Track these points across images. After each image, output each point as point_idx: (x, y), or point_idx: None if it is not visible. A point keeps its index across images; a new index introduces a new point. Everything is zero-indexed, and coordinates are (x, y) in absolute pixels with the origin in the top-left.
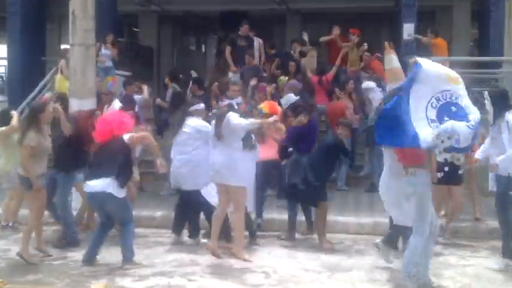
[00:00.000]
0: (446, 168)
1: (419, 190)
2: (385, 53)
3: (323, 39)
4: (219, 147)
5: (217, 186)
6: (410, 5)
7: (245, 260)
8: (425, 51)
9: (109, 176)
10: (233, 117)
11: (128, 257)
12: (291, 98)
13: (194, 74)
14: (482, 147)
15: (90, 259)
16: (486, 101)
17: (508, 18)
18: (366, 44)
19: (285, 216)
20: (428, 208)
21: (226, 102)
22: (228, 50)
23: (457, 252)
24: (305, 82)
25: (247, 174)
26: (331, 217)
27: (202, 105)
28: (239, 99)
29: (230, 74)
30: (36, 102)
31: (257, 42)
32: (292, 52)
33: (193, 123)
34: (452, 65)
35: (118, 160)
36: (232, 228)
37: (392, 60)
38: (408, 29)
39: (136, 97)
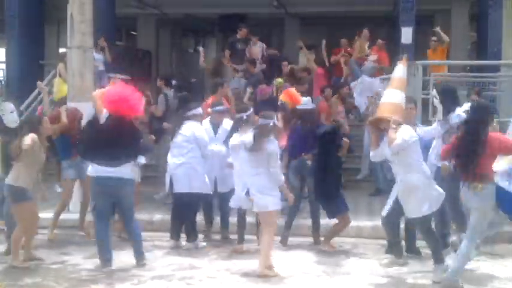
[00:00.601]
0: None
1: (484, 205)
2: (400, 62)
3: (333, 60)
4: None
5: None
6: (408, 8)
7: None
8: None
9: (128, 161)
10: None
11: (142, 253)
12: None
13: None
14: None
15: (109, 258)
16: (435, 99)
17: (506, 22)
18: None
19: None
20: (486, 221)
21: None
22: (227, 53)
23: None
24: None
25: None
26: (330, 221)
27: (200, 110)
28: (250, 110)
29: (233, 82)
30: (32, 115)
31: (260, 46)
32: None
33: (192, 128)
34: (451, 69)
35: (133, 144)
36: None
37: (403, 70)
38: (407, 33)
39: None
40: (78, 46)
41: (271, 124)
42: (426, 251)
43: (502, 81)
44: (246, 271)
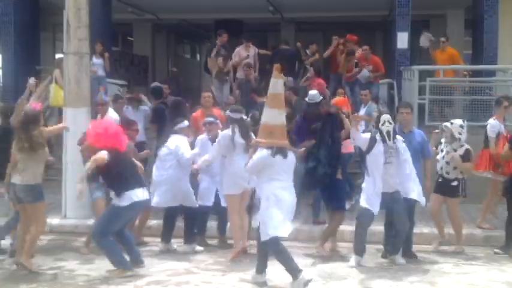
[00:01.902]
0: (439, 179)
1: None
2: (273, 76)
3: (326, 54)
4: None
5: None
6: (404, 14)
7: None
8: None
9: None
10: None
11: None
12: (315, 95)
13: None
14: None
15: (137, 259)
16: (387, 123)
17: (501, 27)
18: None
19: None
20: None
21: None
22: (220, 60)
23: (451, 260)
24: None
25: None
26: (326, 226)
27: (186, 123)
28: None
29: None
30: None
31: (253, 50)
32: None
33: (176, 142)
34: (447, 74)
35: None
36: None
37: (278, 84)
38: (402, 38)
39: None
40: (75, 52)
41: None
42: (423, 255)
43: (497, 86)
44: (242, 276)
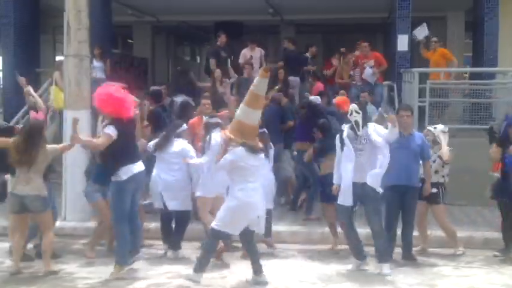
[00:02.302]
0: (421, 184)
1: None
2: (259, 75)
3: (327, 73)
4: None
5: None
6: (404, 16)
7: None
8: (422, 61)
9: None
10: None
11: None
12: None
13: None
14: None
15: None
16: (354, 113)
17: (501, 29)
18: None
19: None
20: None
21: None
22: (212, 62)
23: (451, 263)
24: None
25: None
26: (326, 228)
27: (185, 126)
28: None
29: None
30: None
31: (259, 52)
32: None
33: (183, 145)
34: (446, 76)
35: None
36: None
37: (262, 85)
38: (402, 40)
39: None
40: (75, 54)
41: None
42: (423, 257)
43: (497, 89)
44: (242, 279)
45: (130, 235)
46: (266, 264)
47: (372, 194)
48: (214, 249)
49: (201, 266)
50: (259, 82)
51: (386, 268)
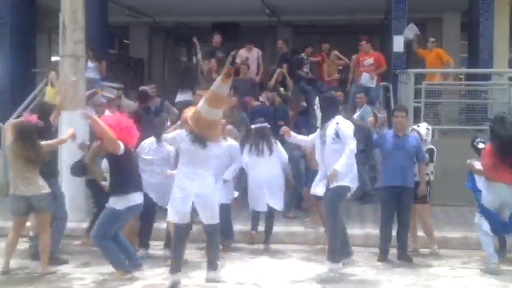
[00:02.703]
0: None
1: None
2: (220, 79)
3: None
4: None
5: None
6: (400, 17)
7: None
8: (417, 62)
9: None
10: None
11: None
12: None
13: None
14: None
15: (135, 262)
16: (315, 107)
17: (497, 30)
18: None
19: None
20: None
21: None
22: (213, 63)
23: (447, 264)
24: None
25: None
26: (323, 229)
27: (169, 123)
28: None
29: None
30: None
31: (256, 53)
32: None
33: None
34: (442, 77)
35: None
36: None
37: (224, 86)
38: (398, 41)
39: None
40: (70, 55)
41: None
42: (419, 258)
43: (493, 90)
44: (238, 280)
45: (122, 251)
46: (261, 264)
47: (328, 193)
48: (183, 242)
49: (173, 261)
50: (219, 85)
51: (329, 265)
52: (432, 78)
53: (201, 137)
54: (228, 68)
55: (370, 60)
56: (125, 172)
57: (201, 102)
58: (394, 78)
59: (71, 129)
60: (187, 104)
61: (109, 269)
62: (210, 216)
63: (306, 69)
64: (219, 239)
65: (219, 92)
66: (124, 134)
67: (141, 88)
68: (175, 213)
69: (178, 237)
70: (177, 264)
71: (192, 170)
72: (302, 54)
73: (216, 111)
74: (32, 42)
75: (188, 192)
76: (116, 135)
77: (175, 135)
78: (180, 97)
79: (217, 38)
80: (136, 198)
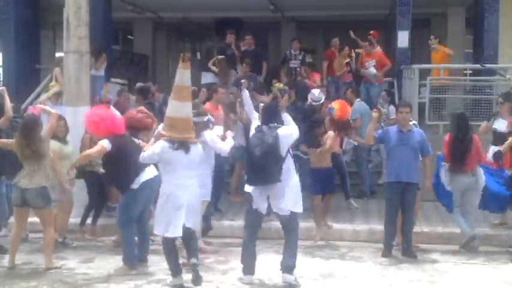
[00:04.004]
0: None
1: None
2: (180, 66)
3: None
4: None
5: None
6: (405, 12)
7: None
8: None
9: None
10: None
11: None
12: (314, 94)
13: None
14: None
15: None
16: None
17: (502, 26)
18: (347, 47)
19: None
20: None
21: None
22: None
23: (451, 259)
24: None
25: None
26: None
27: None
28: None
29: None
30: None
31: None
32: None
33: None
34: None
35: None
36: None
37: (184, 76)
38: (403, 37)
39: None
40: (75, 50)
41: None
42: (424, 254)
43: (498, 85)
44: (241, 276)
45: (138, 243)
46: (265, 259)
47: None
48: (173, 252)
49: (172, 271)
50: (179, 73)
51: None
52: (438, 75)
53: (182, 141)
54: (184, 53)
55: (372, 62)
56: (123, 165)
57: (168, 105)
58: (398, 74)
59: (55, 111)
60: (211, 86)
61: (113, 264)
62: (192, 223)
63: (293, 65)
64: (197, 243)
65: (179, 82)
66: (110, 127)
67: (137, 85)
68: (166, 226)
69: (168, 251)
70: (176, 270)
71: (180, 179)
72: (291, 50)
73: (185, 106)
74: (36, 37)
75: (181, 203)
76: (103, 131)
77: (154, 151)
78: (204, 79)
79: (231, 37)
80: (146, 175)
